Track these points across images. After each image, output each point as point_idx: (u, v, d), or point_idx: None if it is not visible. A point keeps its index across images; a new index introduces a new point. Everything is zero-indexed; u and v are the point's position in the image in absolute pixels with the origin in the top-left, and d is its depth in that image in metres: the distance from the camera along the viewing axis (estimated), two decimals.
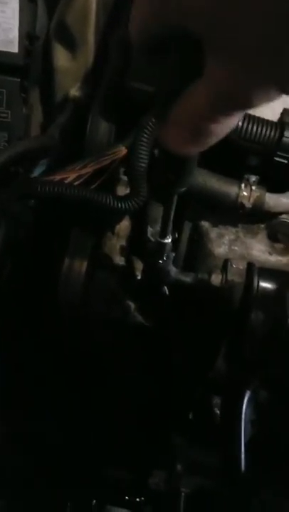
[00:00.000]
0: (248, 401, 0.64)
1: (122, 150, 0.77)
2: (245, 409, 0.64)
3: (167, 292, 0.82)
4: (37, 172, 0.93)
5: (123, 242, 0.86)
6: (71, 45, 0.94)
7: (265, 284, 0.68)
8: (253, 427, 0.65)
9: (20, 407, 0.88)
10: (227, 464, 0.64)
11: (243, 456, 0.61)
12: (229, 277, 0.70)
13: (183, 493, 0.86)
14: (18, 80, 0.85)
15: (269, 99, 0.38)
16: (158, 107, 0.50)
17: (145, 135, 0.74)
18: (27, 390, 0.89)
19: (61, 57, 0.95)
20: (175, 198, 0.65)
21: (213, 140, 0.40)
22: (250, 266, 0.70)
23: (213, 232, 0.79)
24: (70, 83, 0.95)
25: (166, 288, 0.82)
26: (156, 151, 0.80)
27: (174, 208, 0.66)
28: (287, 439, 0.64)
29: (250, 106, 0.37)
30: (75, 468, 0.91)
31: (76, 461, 0.91)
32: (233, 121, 0.39)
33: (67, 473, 0.91)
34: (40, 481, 0.89)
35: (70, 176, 0.78)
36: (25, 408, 0.90)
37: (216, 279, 0.72)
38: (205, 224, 0.80)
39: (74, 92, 0.95)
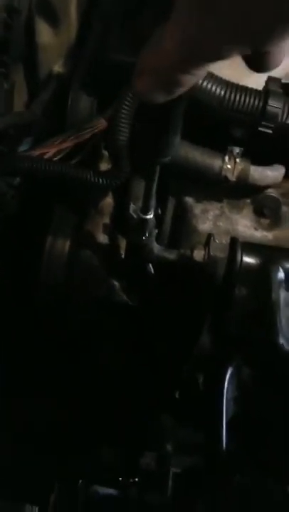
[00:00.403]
0: (230, 377, 0.63)
1: (102, 123, 0.75)
2: (228, 385, 0.62)
3: (152, 270, 0.80)
4: (21, 149, 0.91)
5: (106, 220, 0.84)
6: (54, 20, 0.92)
7: (249, 259, 0.66)
8: (235, 404, 0.64)
9: (10, 386, 0.86)
10: (209, 441, 0.63)
11: (224, 433, 0.59)
12: (212, 252, 0.68)
13: (171, 472, 0.85)
14: None
15: (239, 52, 0.36)
16: None
17: (125, 106, 0.73)
18: (16, 368, 0.88)
19: (44, 32, 0.93)
20: (157, 170, 0.62)
21: (180, 90, 0.38)
22: (233, 240, 0.68)
23: (198, 208, 0.77)
24: (54, 59, 0.93)
25: (150, 266, 0.80)
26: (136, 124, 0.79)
27: (156, 181, 0.64)
28: (269, 416, 0.63)
29: (218, 57, 0.35)
30: (64, 448, 0.90)
31: (65, 441, 0.90)
32: (201, 72, 0.37)
33: (56, 452, 0.90)
34: (28, 459, 0.88)
35: (49, 151, 0.76)
36: (15, 387, 0.89)
37: (199, 254, 0.70)
38: (189, 199, 0.78)
39: (57, 68, 0.92)
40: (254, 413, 0.63)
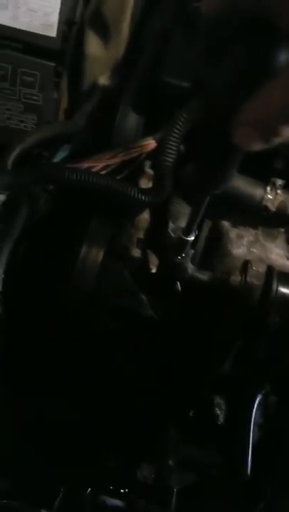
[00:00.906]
0: (258, 404, 0.65)
1: (152, 143, 0.77)
2: (255, 412, 0.64)
3: (179, 289, 0.82)
4: (59, 157, 0.93)
5: (141, 235, 0.86)
6: (104, 33, 0.94)
7: (284, 289, 0.69)
8: (259, 431, 0.66)
9: (21, 387, 0.88)
10: (233, 466, 0.64)
11: (249, 459, 0.61)
12: (248, 279, 0.71)
13: (175, 490, 0.87)
14: (53, 64, 0.85)
15: None
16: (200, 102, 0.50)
17: (176, 130, 0.75)
18: (28, 369, 0.89)
19: (93, 44, 0.95)
20: (207, 198, 0.65)
21: (278, 140, 0.40)
22: (270, 269, 0.70)
23: (233, 233, 0.79)
24: (100, 71, 0.95)
25: (179, 285, 0.82)
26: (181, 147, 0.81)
27: (204, 208, 0.66)
28: None
29: None
30: (69, 452, 0.91)
31: (71, 445, 0.92)
32: None
33: (61, 456, 0.92)
34: (33, 463, 0.89)
35: (97, 165, 0.78)
36: (25, 389, 0.91)
37: (235, 279, 0.72)
38: (225, 224, 0.80)
39: (103, 80, 0.95)
40: (276, 441, 0.65)
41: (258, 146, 0.41)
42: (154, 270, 0.85)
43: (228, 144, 0.45)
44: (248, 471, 0.62)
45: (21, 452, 0.87)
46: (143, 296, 0.86)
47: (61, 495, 0.76)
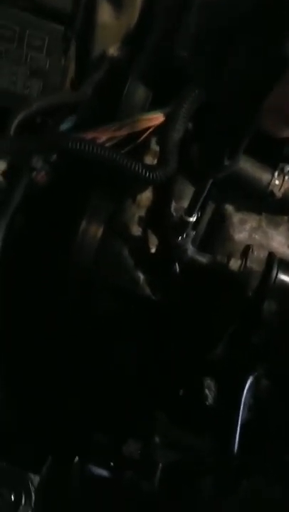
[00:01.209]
0: (249, 387, 0.65)
1: (160, 117, 0.75)
2: (246, 394, 0.64)
3: (178, 270, 0.81)
4: (64, 127, 0.91)
5: (142, 213, 0.85)
6: (118, 3, 0.91)
7: (284, 277, 0.68)
8: (248, 412, 0.66)
9: (14, 363, 0.87)
10: (220, 445, 0.65)
11: (237, 439, 0.62)
12: (248, 264, 0.70)
13: (160, 464, 0.88)
14: (63, 28, 0.82)
15: None
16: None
17: (186, 106, 0.73)
18: (23, 344, 0.89)
19: (105, 13, 0.92)
20: (212, 179, 0.63)
21: None
22: (271, 256, 0.70)
23: (236, 217, 0.78)
24: (110, 41, 0.92)
25: (177, 266, 0.81)
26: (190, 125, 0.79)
27: (208, 189, 0.65)
28: (280, 426, 0.65)
29: None
30: (61, 423, 0.91)
31: (63, 417, 0.92)
32: None
33: (51, 426, 0.92)
34: (22, 431, 0.89)
35: (102, 137, 0.76)
36: (18, 364, 0.90)
37: (235, 263, 0.72)
38: (229, 207, 0.79)
39: (112, 50, 0.92)
40: (265, 422, 0.66)
41: (284, 133, 0.40)
42: (153, 250, 0.84)
43: (238, 125, 0.44)
44: (235, 448, 0.62)
45: (11, 420, 0.87)
46: (141, 275, 0.85)
47: (49, 462, 0.76)
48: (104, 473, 0.84)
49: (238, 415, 0.64)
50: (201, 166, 0.61)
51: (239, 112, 0.45)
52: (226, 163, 0.56)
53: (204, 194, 0.65)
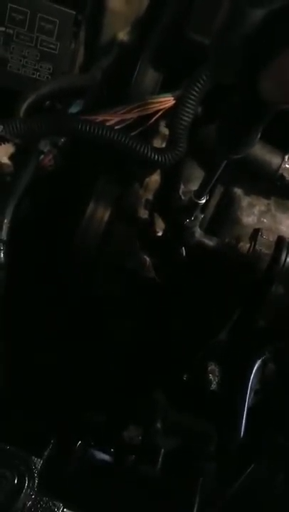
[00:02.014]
0: (256, 371, 0.64)
1: (170, 100, 0.75)
2: (253, 378, 0.64)
3: (184, 253, 0.81)
4: (72, 111, 0.91)
5: (150, 196, 0.84)
6: None
7: None
8: (255, 397, 0.66)
9: (18, 338, 0.87)
10: (224, 431, 0.65)
11: (243, 423, 0.61)
12: (257, 247, 0.69)
13: (162, 450, 0.87)
14: (74, 12, 0.81)
15: None
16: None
17: (197, 89, 0.73)
18: (26, 321, 0.89)
19: None
20: (224, 162, 0.63)
21: None
22: (280, 239, 0.69)
23: (245, 201, 0.78)
24: (120, 26, 0.92)
25: (184, 249, 0.81)
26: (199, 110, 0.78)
27: (219, 172, 0.64)
28: (285, 410, 0.65)
29: None
30: (63, 407, 0.91)
31: (65, 401, 0.92)
32: None
33: (53, 410, 0.92)
34: (25, 414, 0.89)
35: (112, 119, 0.76)
36: (21, 342, 0.90)
37: (244, 246, 0.71)
38: (237, 191, 0.78)
39: (122, 36, 0.91)
40: (271, 407, 0.65)
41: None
42: (160, 233, 0.84)
43: (255, 106, 0.43)
44: (241, 434, 0.62)
45: (13, 403, 0.87)
46: (147, 258, 0.85)
47: (51, 446, 0.76)
48: (106, 457, 0.84)
49: (245, 400, 0.63)
50: (216, 149, 0.60)
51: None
52: (250, 142, 0.55)
53: (216, 176, 0.64)
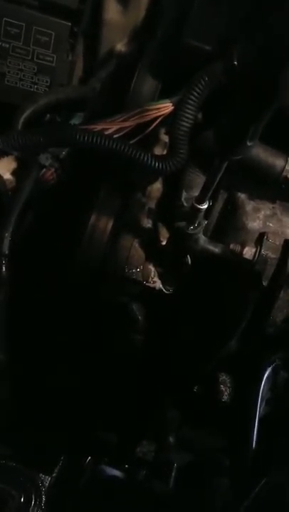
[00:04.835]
0: (267, 379, 0.62)
1: (168, 106, 0.74)
2: (264, 386, 0.62)
3: (189, 261, 0.79)
4: (72, 123, 0.91)
5: (152, 205, 0.83)
6: None
7: None
8: (266, 406, 0.63)
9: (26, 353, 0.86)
10: (236, 443, 0.62)
11: (255, 435, 0.59)
12: (263, 251, 0.68)
13: (175, 465, 0.85)
14: (69, 24, 0.81)
15: None
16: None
17: (196, 93, 0.72)
18: (36, 338, 0.88)
19: (112, 9, 0.91)
20: (225, 165, 0.61)
21: None
22: (287, 242, 0.67)
23: (249, 206, 0.76)
24: (118, 37, 0.92)
25: (189, 257, 0.79)
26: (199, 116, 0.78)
27: (220, 176, 0.63)
28: None
29: None
30: (74, 423, 0.89)
31: (76, 417, 0.90)
32: None
33: (63, 426, 0.90)
34: (35, 430, 0.87)
35: (111, 128, 0.75)
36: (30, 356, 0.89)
37: (249, 252, 0.70)
38: (241, 196, 0.77)
39: (120, 47, 0.91)
40: (284, 416, 0.63)
41: None
42: (164, 242, 0.82)
43: (255, 107, 0.42)
44: (253, 445, 0.59)
45: (25, 420, 0.85)
46: (152, 268, 0.83)
47: (61, 463, 0.74)
48: (117, 473, 0.82)
49: (256, 409, 0.61)
50: (218, 148, 0.59)
51: (267, 79, 0.44)
52: (249, 143, 0.54)
53: (218, 179, 0.63)
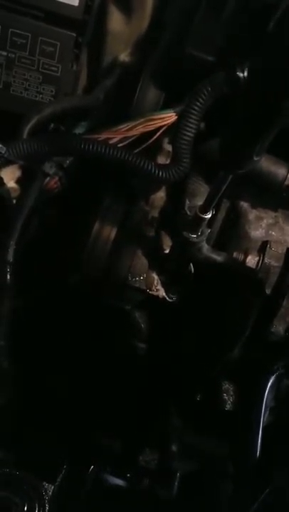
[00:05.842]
0: (271, 387, 0.62)
1: (172, 116, 0.75)
2: (267, 394, 0.62)
3: (192, 269, 0.80)
4: (77, 132, 0.91)
5: (156, 214, 0.84)
6: (127, 8, 0.92)
7: None
8: (270, 414, 0.63)
9: (30, 363, 0.86)
10: (240, 451, 0.62)
11: (259, 443, 0.59)
12: (266, 260, 0.68)
13: (178, 473, 0.85)
14: (74, 34, 0.82)
15: None
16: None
17: (198, 103, 0.72)
18: (37, 345, 0.88)
19: (116, 19, 0.92)
20: (230, 177, 0.62)
21: None
22: None
23: (252, 214, 0.77)
24: (121, 47, 0.93)
25: (192, 266, 0.80)
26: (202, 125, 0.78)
27: (225, 186, 0.63)
28: None
29: None
30: (76, 432, 0.89)
31: (79, 426, 0.90)
32: None
33: (66, 435, 0.90)
34: (38, 439, 0.87)
35: (115, 137, 0.76)
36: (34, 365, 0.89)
37: (252, 260, 0.70)
38: (244, 204, 0.77)
39: (124, 57, 0.92)
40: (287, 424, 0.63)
41: None
42: (167, 251, 0.83)
43: (263, 123, 0.43)
44: (257, 453, 0.59)
45: (27, 428, 0.85)
46: (155, 276, 0.84)
47: (64, 471, 0.74)
48: (120, 482, 0.81)
49: (260, 418, 0.61)
50: (223, 161, 0.59)
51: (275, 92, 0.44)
52: (255, 158, 0.54)
53: (222, 190, 0.63)
